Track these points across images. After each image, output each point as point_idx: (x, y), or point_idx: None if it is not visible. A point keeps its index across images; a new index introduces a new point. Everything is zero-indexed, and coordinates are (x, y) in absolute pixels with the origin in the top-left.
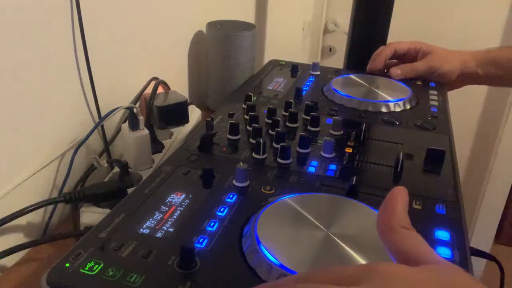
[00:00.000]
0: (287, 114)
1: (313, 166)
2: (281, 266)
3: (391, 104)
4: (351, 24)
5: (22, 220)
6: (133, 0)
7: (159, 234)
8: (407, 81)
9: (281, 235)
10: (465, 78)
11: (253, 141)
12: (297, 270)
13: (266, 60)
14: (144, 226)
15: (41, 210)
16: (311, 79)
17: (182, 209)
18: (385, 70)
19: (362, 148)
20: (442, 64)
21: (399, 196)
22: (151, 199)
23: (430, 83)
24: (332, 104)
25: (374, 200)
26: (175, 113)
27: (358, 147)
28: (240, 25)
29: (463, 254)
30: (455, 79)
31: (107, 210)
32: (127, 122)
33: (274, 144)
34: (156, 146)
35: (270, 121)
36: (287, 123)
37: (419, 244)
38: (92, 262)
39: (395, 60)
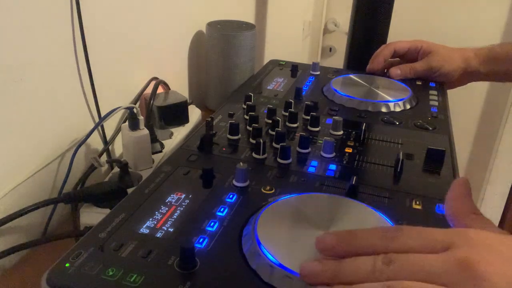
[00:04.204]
0: (287, 114)
1: (313, 166)
2: (281, 266)
3: (391, 104)
4: (351, 24)
5: (22, 220)
6: (133, 0)
7: (159, 234)
8: (407, 81)
9: (281, 235)
10: (468, 76)
11: (253, 141)
12: (298, 270)
13: (266, 60)
14: (144, 226)
15: (41, 210)
16: (311, 79)
17: (182, 209)
18: (385, 70)
19: (362, 148)
20: (443, 64)
21: (467, 186)
22: (151, 199)
23: (430, 83)
24: (332, 104)
25: (374, 200)
26: (175, 113)
27: (358, 147)
28: (240, 25)
29: None
30: (457, 77)
31: (107, 210)
32: (127, 122)
33: (274, 144)
34: (156, 146)
35: (270, 121)
36: (287, 123)
37: (490, 226)
38: (92, 262)
39: (397, 59)
